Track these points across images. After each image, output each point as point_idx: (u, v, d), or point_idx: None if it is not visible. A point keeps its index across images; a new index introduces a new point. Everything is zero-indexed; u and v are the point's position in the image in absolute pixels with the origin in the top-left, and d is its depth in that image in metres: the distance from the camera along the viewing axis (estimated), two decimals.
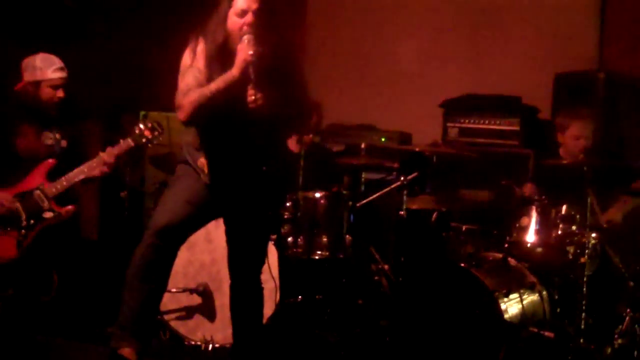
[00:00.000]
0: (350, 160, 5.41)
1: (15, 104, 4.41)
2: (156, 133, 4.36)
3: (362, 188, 5.31)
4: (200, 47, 3.42)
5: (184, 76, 3.40)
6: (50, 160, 4.37)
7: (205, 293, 4.58)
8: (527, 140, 5.66)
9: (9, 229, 4.26)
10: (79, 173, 4.31)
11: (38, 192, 4.31)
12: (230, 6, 3.38)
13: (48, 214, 4.31)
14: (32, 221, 4.28)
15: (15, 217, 4.26)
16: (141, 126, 4.35)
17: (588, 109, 5.00)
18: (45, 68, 4.38)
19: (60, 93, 4.40)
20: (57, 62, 4.43)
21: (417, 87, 6.69)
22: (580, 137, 4.79)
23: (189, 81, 3.36)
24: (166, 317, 4.60)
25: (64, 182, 4.31)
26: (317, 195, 4.83)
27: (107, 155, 4.31)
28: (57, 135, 4.47)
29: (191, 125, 3.46)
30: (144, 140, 4.35)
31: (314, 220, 4.77)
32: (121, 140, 4.34)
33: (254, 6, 3.35)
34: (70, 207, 4.37)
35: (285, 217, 4.79)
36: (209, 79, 3.36)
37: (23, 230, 4.25)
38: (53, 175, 4.35)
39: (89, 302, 4.67)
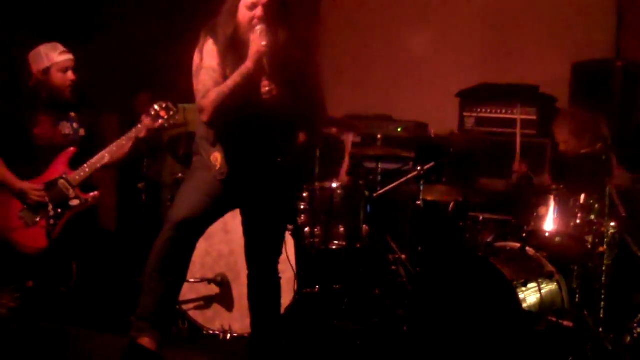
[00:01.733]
0: (367, 151, 5.41)
1: (30, 96, 4.42)
2: (171, 113, 4.36)
3: (379, 178, 5.32)
4: (209, 46, 3.40)
5: (198, 77, 3.39)
6: (71, 149, 4.39)
7: (223, 283, 4.60)
8: (544, 130, 5.62)
9: (37, 219, 4.30)
10: (100, 159, 4.34)
11: (62, 180, 4.33)
12: None
13: (75, 202, 4.34)
14: (59, 210, 4.31)
15: (43, 207, 4.30)
16: (156, 107, 4.35)
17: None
18: (51, 53, 4.39)
19: (71, 75, 4.41)
20: (60, 47, 4.44)
21: (433, 76, 6.67)
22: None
23: (206, 82, 3.36)
24: (184, 307, 4.62)
25: (86, 169, 4.34)
26: (334, 185, 4.84)
27: (127, 138, 4.34)
28: (75, 125, 4.48)
29: (215, 125, 3.44)
30: (160, 121, 4.35)
31: (331, 211, 4.78)
32: (138, 124, 4.36)
33: (264, 0, 3.35)
34: (95, 192, 4.40)
35: (302, 207, 4.80)
36: (224, 75, 3.36)
37: (52, 220, 4.29)
38: (74, 163, 4.37)
39: (108, 292, 4.70)
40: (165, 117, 4.36)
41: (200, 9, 3.66)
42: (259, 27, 3.30)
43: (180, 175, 5.01)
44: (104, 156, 4.33)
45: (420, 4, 6.79)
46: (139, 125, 4.35)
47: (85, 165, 4.35)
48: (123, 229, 6.05)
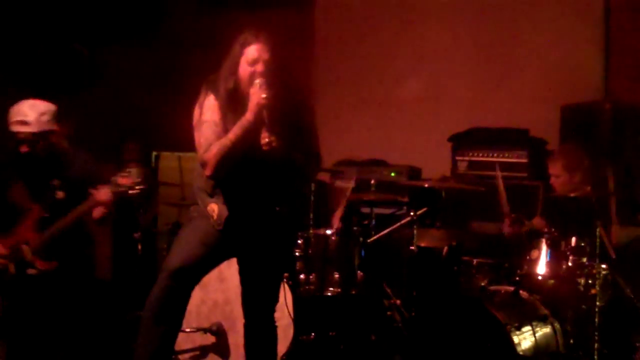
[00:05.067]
0: (361, 196, 5.45)
1: (12, 155, 4.24)
2: (131, 182, 4.07)
3: (373, 223, 5.35)
4: (210, 101, 3.47)
5: (200, 131, 3.44)
6: (39, 211, 4.21)
7: (218, 332, 4.60)
8: (535, 172, 5.69)
9: None
10: (63, 223, 4.16)
11: (25, 245, 4.18)
12: (242, 54, 3.46)
13: (31, 271, 4.18)
14: (17, 275, 4.17)
15: (2, 272, 4.17)
16: (123, 174, 4.10)
17: (559, 151, 5.10)
18: (10, 120, 4.15)
19: (23, 148, 4.13)
20: (20, 114, 4.12)
21: (425, 121, 6.74)
22: (552, 176, 4.93)
23: (208, 136, 3.41)
24: (180, 357, 4.61)
25: (48, 234, 4.17)
26: (328, 232, 4.87)
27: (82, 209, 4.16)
28: (56, 183, 4.25)
29: (218, 178, 3.48)
30: (121, 189, 4.09)
31: (326, 257, 4.81)
32: (94, 192, 4.14)
33: (265, 56, 3.43)
34: (52, 263, 4.19)
35: (297, 254, 4.83)
36: (225, 129, 3.42)
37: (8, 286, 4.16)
38: (45, 225, 4.20)
39: (104, 342, 4.70)
40: (128, 184, 4.08)
41: (200, 56, 3.74)
42: (258, 80, 3.39)
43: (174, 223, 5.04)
44: (66, 222, 4.15)
45: (412, 50, 6.88)
46: (94, 195, 4.14)
47: (48, 230, 4.17)
48: (119, 279, 6.06)
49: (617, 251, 4.38)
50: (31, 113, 4.13)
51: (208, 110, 3.46)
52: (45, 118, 4.16)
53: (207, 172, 3.43)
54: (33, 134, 4.13)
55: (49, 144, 4.20)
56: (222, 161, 3.38)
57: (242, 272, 3.73)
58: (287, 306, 3.99)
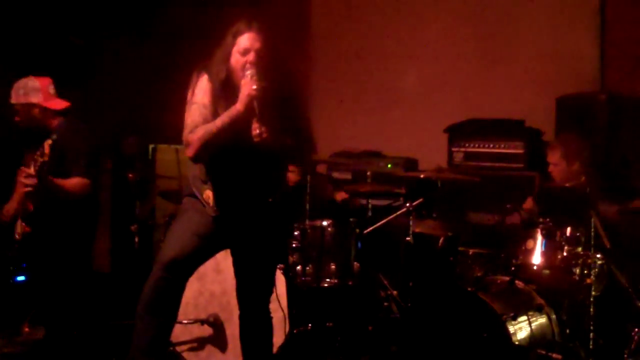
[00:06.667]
0: (357, 187, 5.46)
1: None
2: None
3: (369, 214, 5.36)
4: (203, 83, 3.48)
5: (188, 112, 3.46)
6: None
7: (216, 323, 4.62)
8: (531, 163, 5.70)
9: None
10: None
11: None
12: (234, 44, 3.46)
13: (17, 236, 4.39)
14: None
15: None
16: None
17: (558, 140, 5.15)
18: None
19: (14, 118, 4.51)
20: None
21: (421, 112, 6.74)
22: (551, 164, 4.97)
23: (195, 118, 3.42)
24: (178, 348, 4.63)
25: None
26: (324, 223, 4.88)
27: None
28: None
29: (199, 161, 3.51)
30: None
31: (322, 249, 4.82)
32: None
33: (257, 45, 3.43)
34: (27, 228, 4.36)
35: (294, 246, 4.84)
36: (214, 114, 3.43)
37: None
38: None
39: (101, 334, 4.72)
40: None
41: (196, 49, 3.73)
42: (249, 72, 3.39)
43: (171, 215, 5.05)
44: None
45: (408, 41, 6.88)
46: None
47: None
48: (117, 271, 6.07)
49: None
50: (15, 86, 4.51)
51: (200, 91, 3.47)
52: (21, 91, 4.49)
53: (189, 153, 3.44)
54: (12, 104, 4.49)
55: (27, 116, 4.50)
56: (204, 145, 3.39)
57: (235, 263, 3.75)
58: (277, 298, 3.99)
